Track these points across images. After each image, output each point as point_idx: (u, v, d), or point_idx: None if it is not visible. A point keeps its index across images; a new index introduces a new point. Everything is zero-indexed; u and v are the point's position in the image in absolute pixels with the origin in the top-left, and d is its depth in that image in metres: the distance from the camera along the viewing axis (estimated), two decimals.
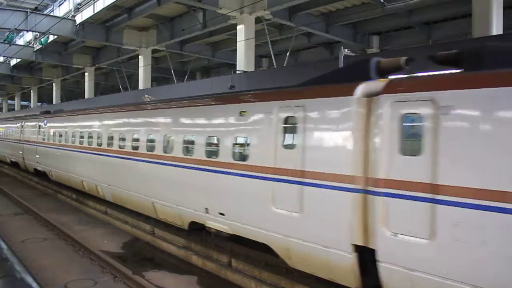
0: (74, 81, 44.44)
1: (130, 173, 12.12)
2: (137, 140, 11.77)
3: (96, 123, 14.76)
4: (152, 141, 11.11)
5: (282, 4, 17.94)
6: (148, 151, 11.09)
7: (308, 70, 16.68)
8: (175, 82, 30.36)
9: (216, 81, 20.44)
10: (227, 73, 25.85)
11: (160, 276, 8.66)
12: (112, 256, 9.45)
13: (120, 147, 12.63)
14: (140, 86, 27.80)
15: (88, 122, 15.59)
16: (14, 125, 26.63)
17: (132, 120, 12.59)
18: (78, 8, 25.06)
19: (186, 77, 32.48)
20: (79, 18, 24.41)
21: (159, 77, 37.92)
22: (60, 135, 17.85)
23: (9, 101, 63.53)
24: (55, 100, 42.58)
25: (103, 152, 13.65)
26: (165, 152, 10.42)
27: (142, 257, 10.05)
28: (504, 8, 13.22)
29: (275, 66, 22.46)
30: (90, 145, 14.69)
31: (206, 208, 8.91)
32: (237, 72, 19.14)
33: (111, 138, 13.28)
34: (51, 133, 19.03)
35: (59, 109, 23.65)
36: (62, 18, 25.03)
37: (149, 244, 11.02)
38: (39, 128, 20.93)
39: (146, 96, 20.69)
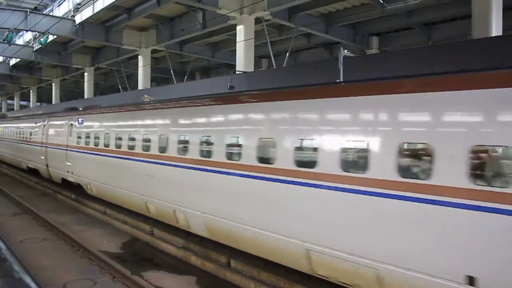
0: (73, 81, 44.39)
1: (261, 199, 7.86)
2: (275, 147, 7.58)
3: (182, 121, 10.64)
4: (309, 149, 7.12)
5: (282, 5, 17.93)
6: (305, 167, 6.97)
7: (307, 70, 16.72)
8: (175, 82, 30.35)
9: (215, 82, 20.44)
10: (226, 74, 25.84)
11: (159, 276, 8.66)
12: (111, 256, 9.46)
13: (230, 157, 8.58)
14: (140, 86, 27.79)
15: (160, 121, 11.52)
16: (33, 125, 22.27)
17: (262, 116, 8.36)
18: (77, 8, 25.01)
19: (185, 77, 32.48)
20: (78, 18, 24.38)
21: (159, 77, 37.90)
22: (107, 138, 13.78)
23: (8, 101, 63.49)
24: (54, 100, 42.55)
25: (194, 165, 9.46)
26: (332, 170, 6.50)
27: (141, 257, 10.06)
28: (504, 10, 13.22)
29: (275, 67, 22.46)
30: (163, 152, 10.62)
31: (469, 277, 5.07)
32: (237, 72, 19.14)
33: (209, 143, 9.22)
34: (91, 135, 14.85)
35: (92, 105, 19.24)
36: (61, 18, 25.01)
37: (148, 244, 11.03)
38: (71, 128, 16.57)
39: (146, 96, 20.67)
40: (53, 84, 42.77)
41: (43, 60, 33.44)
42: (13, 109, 57.79)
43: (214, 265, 9.01)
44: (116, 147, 12.93)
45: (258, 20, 19.75)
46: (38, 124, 21.33)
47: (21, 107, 57.41)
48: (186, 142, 9.94)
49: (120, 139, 12.88)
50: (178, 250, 10.12)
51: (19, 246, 10.18)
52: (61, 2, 28.10)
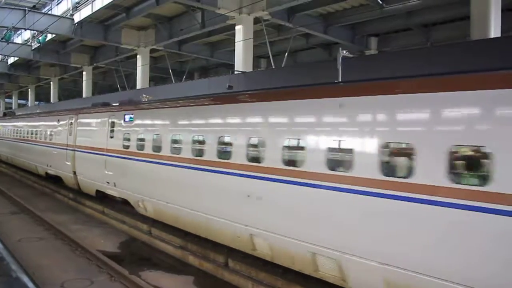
0: (71, 80, 44.36)
1: None
2: None
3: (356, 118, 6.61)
4: None
5: (281, 5, 17.93)
6: None
7: (306, 71, 16.73)
8: (173, 82, 30.34)
9: (214, 81, 20.43)
10: (225, 74, 25.85)
11: (157, 276, 8.65)
12: (109, 256, 9.44)
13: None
14: (138, 86, 27.76)
15: (293, 118, 7.74)
16: (54, 123, 18.93)
17: None
18: (76, 7, 24.97)
19: (184, 77, 32.46)
20: (77, 17, 24.34)
21: (157, 77, 37.87)
22: (177, 141, 10.29)
23: (7, 100, 63.45)
24: (52, 99, 42.52)
25: (379, 189, 5.98)
26: None
27: (139, 257, 10.05)
28: (503, 11, 13.25)
29: (273, 67, 22.46)
30: (294, 165, 7.32)
31: None
32: (235, 72, 19.15)
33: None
34: (148, 136, 11.48)
35: (129, 100, 14.95)
36: (60, 16, 24.96)
37: (146, 244, 11.02)
38: (114, 127, 13.39)
39: (144, 95, 20.64)
40: (51, 83, 42.73)
41: (41, 59, 33.39)
42: (11, 108, 57.68)
43: (212, 265, 9.01)
44: (195, 155, 9.58)
45: (257, 20, 19.75)
46: (62, 123, 18.01)
47: (19, 106, 57.32)
48: (349, 150, 6.45)
49: (200, 143, 9.58)
50: (176, 250, 10.11)
51: (16, 245, 10.14)
52: (60, 1, 28.05)
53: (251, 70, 19.87)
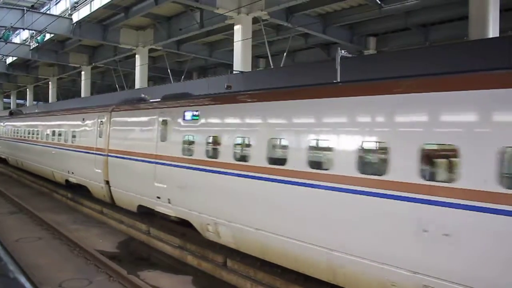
0: (70, 79, 44.32)
1: None
2: None
3: None
4: None
5: (279, 5, 17.94)
6: None
7: (305, 70, 16.74)
8: (172, 82, 30.33)
9: (212, 81, 20.43)
10: (224, 73, 25.85)
11: (155, 276, 8.64)
12: (108, 256, 9.43)
13: None
14: (137, 86, 27.75)
15: None
16: (78, 123, 16.24)
17: None
18: (75, 7, 24.95)
19: (182, 76, 32.45)
20: (75, 17, 24.33)
21: (156, 77, 37.88)
22: (276, 146, 7.87)
23: (5, 100, 63.36)
24: (51, 99, 42.49)
25: None
26: None
27: (137, 257, 10.05)
28: (501, 11, 13.26)
29: (272, 67, 22.47)
30: None
31: None
32: (234, 72, 19.15)
33: None
34: (227, 140, 8.74)
35: (183, 93, 12.32)
36: (58, 16, 24.95)
37: (144, 244, 11.01)
38: (166, 128, 10.73)
39: (143, 95, 20.56)
40: (50, 82, 42.69)
41: (40, 59, 33.38)
42: (9, 108, 57.57)
43: (210, 265, 9.00)
44: (312, 168, 6.87)
45: (255, 20, 19.76)
46: (88, 122, 15.37)
47: (18, 105, 57.21)
48: None
49: (325, 150, 6.96)
50: (174, 250, 10.11)
51: (14, 245, 10.12)
52: (58, 0, 28.03)
53: (249, 70, 19.88)
